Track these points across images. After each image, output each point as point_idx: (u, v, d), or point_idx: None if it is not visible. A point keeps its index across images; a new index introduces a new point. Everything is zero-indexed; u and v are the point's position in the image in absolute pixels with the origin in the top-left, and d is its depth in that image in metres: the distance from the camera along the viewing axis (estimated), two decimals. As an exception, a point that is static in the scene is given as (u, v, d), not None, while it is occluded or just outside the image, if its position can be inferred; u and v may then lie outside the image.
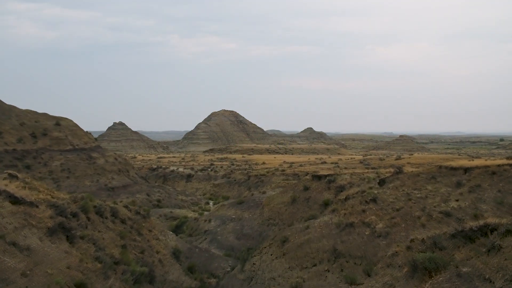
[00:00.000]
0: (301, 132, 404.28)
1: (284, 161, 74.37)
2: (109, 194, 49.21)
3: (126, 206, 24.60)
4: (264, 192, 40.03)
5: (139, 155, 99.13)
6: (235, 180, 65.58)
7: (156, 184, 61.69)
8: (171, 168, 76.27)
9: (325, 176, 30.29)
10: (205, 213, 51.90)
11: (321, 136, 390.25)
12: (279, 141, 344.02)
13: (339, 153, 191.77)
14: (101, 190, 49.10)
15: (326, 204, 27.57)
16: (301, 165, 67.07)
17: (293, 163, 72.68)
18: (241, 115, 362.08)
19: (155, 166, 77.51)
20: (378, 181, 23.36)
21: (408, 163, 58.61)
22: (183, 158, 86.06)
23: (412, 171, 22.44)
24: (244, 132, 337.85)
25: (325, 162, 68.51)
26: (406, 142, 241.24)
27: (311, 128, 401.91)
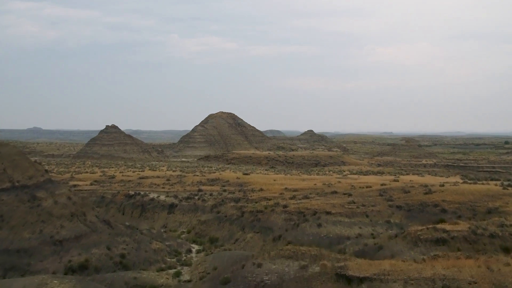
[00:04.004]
0: (302, 134, 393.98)
1: (286, 188, 62.31)
2: (55, 251, 37.05)
3: None
4: (259, 265, 28.31)
5: (120, 172, 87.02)
6: (225, 216, 53.43)
7: (126, 224, 49.29)
8: (151, 195, 64.06)
9: (359, 279, 18.26)
10: (184, 269, 39.94)
11: (321, 138, 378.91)
12: (278, 144, 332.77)
13: (343, 161, 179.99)
14: (44, 245, 37.03)
15: None
16: (306, 197, 55.04)
17: (296, 190, 60.69)
18: (240, 117, 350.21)
19: (133, 193, 65.26)
20: None
21: (443, 200, 46.61)
22: (168, 179, 74.05)
23: None
24: (242, 135, 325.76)
25: (335, 192, 56.44)
26: (412, 148, 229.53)
27: (311, 131, 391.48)
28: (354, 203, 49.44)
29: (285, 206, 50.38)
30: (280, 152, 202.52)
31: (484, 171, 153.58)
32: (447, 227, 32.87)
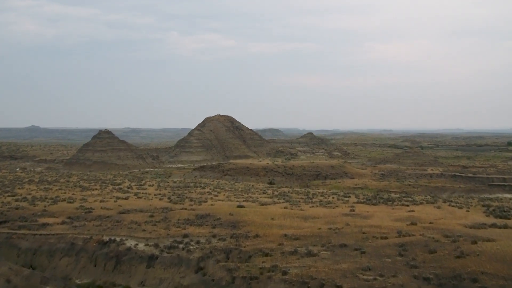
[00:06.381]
0: (301, 137, 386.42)
1: (286, 235, 53.30)
2: None
3: None
4: None
5: (100, 201, 78.18)
6: (213, 280, 44.29)
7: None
8: (128, 243, 54.93)
9: None
10: None
11: (321, 141, 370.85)
12: (277, 148, 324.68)
13: (345, 172, 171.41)
14: None
15: None
16: (310, 253, 45.95)
17: (297, 239, 51.72)
18: (238, 120, 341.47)
19: (107, 239, 56.11)
20: None
21: (482, 272, 37.55)
22: (151, 215, 65.22)
23: None
24: (240, 139, 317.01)
25: (344, 246, 47.43)
26: (416, 155, 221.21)
27: (311, 133, 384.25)
28: (370, 269, 40.31)
29: (284, 273, 41.25)
30: (279, 161, 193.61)
31: (495, 185, 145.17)
32: None
